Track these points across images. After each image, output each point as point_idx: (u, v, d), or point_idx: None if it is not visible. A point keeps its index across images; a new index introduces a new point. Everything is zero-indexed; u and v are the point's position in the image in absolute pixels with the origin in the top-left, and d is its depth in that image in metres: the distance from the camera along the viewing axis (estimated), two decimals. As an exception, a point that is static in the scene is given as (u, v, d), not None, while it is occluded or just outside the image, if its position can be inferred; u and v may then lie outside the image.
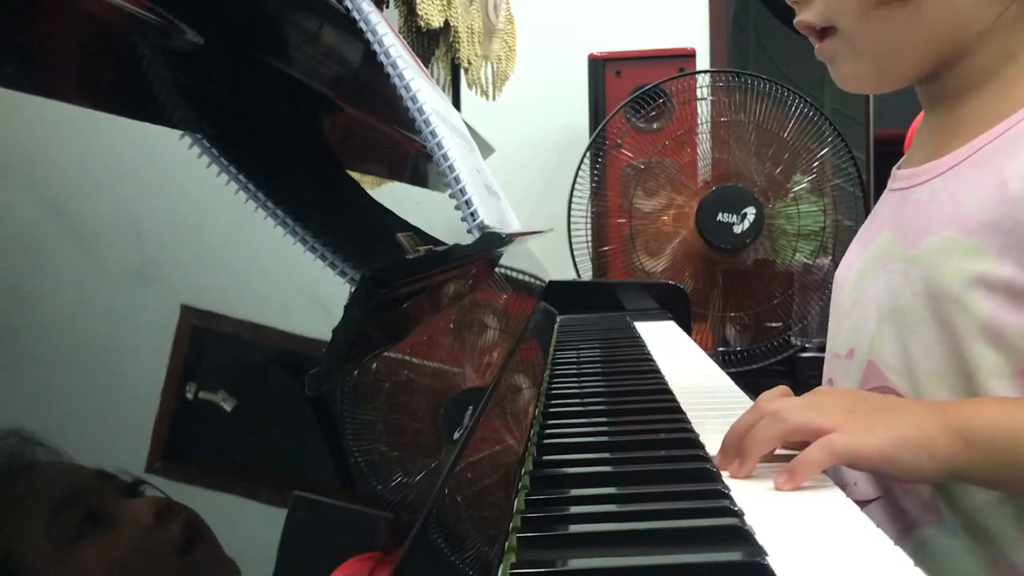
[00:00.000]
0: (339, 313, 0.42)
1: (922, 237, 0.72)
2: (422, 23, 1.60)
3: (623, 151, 2.48)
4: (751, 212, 2.34)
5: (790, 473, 0.59)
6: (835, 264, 2.36)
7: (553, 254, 2.23)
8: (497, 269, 1.06)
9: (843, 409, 0.62)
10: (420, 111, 0.73)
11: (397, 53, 0.75)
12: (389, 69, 0.74)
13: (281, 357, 0.42)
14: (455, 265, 0.69)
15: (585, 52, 2.74)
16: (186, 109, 0.47)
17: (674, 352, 1.22)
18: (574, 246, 2.51)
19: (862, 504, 0.71)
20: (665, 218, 2.45)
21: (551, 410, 0.81)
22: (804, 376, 2.39)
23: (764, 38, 3.59)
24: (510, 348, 0.85)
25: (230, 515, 0.32)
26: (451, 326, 0.69)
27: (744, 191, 2.36)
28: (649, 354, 1.15)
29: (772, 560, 0.47)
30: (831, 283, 0.88)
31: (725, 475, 0.62)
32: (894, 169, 0.82)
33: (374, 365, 0.47)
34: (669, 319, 1.57)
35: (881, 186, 0.84)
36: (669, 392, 0.89)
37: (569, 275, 2.46)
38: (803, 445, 0.61)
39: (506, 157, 2.30)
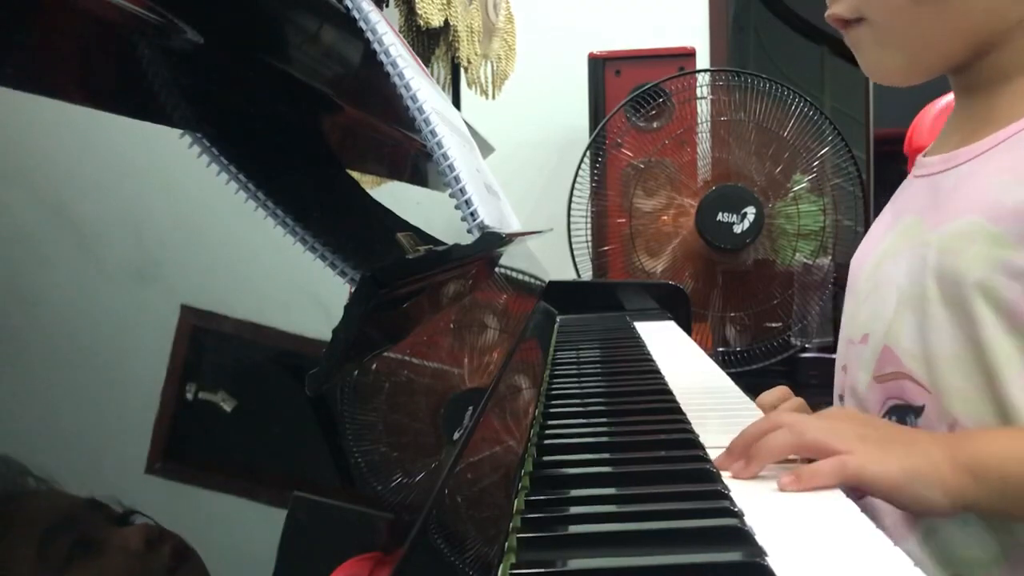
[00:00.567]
0: (339, 313, 0.42)
1: (948, 221, 0.71)
2: (422, 22, 1.60)
3: (623, 150, 2.48)
4: (751, 212, 2.34)
5: (797, 476, 0.60)
6: (835, 264, 2.36)
7: (553, 254, 2.23)
8: (497, 269, 1.06)
9: (856, 436, 0.62)
10: (420, 110, 0.73)
11: (397, 52, 0.75)
12: (389, 68, 0.74)
13: (281, 357, 0.42)
14: (455, 265, 0.69)
15: (585, 51, 2.74)
16: (186, 109, 0.47)
17: (674, 352, 1.22)
18: (574, 246, 2.51)
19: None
20: (665, 218, 2.45)
21: (551, 410, 0.81)
22: (804, 376, 2.39)
23: (764, 38, 3.58)
24: (510, 348, 0.85)
25: (230, 515, 0.32)
26: (451, 326, 0.69)
27: (744, 191, 2.36)
28: (649, 354, 1.15)
29: (772, 560, 0.47)
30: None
31: (726, 475, 0.62)
32: (919, 156, 0.82)
33: (374, 365, 0.47)
34: (669, 319, 1.57)
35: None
36: (669, 392, 0.89)
37: (569, 275, 2.46)
38: (810, 461, 0.61)
39: (506, 156, 2.30)
